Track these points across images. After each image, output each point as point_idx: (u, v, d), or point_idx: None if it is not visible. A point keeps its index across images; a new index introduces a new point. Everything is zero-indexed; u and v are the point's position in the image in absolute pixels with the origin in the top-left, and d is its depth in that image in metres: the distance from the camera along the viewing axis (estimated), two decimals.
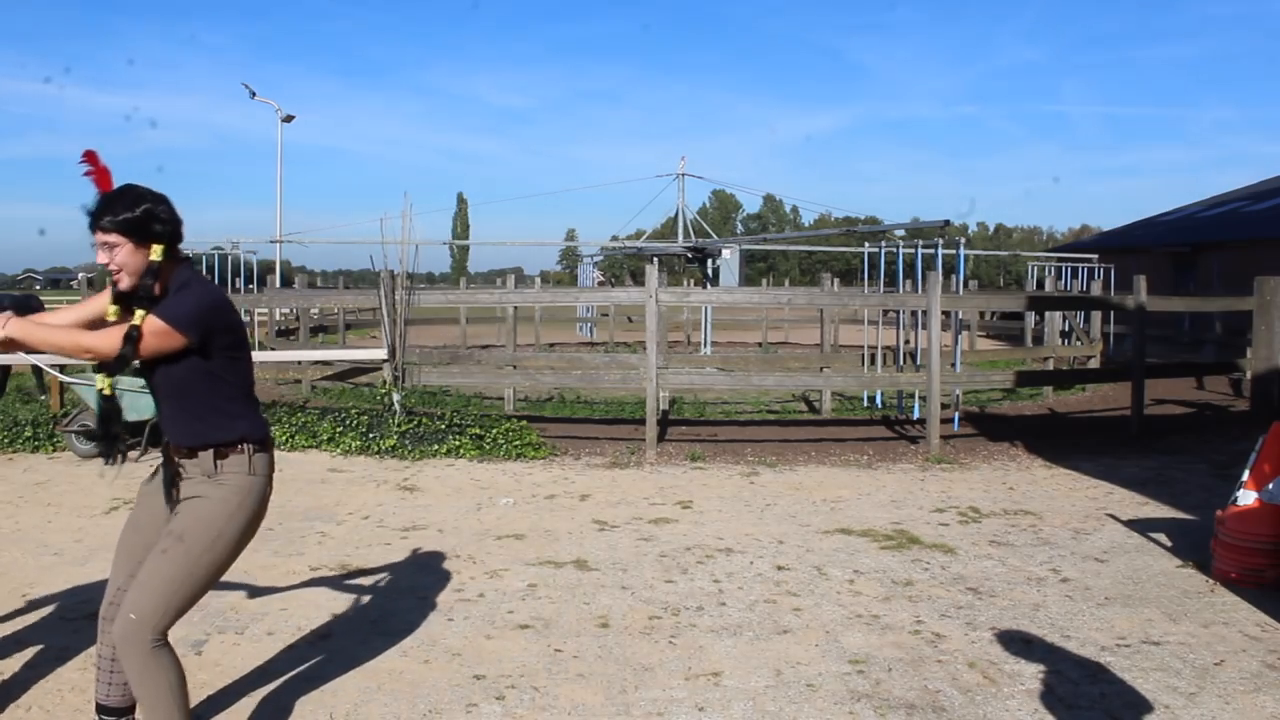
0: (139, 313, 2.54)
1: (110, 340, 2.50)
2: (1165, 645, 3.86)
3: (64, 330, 2.57)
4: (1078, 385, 12.31)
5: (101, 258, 2.55)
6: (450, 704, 3.33)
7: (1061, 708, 3.30)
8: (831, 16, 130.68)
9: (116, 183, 2.70)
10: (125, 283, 2.57)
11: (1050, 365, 14.11)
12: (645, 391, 8.17)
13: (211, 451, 2.65)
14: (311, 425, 8.26)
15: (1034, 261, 22.70)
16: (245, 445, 2.69)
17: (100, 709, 2.77)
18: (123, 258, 2.54)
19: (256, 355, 11.50)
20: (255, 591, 4.45)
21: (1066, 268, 20.51)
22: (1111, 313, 15.17)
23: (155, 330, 2.51)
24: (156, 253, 2.56)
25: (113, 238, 2.52)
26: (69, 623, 4.06)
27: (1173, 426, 9.54)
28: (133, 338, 2.49)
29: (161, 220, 2.56)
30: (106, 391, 2.67)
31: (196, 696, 3.36)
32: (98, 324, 2.64)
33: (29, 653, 3.74)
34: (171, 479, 2.70)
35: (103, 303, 2.67)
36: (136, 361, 2.55)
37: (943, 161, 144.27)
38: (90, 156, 2.74)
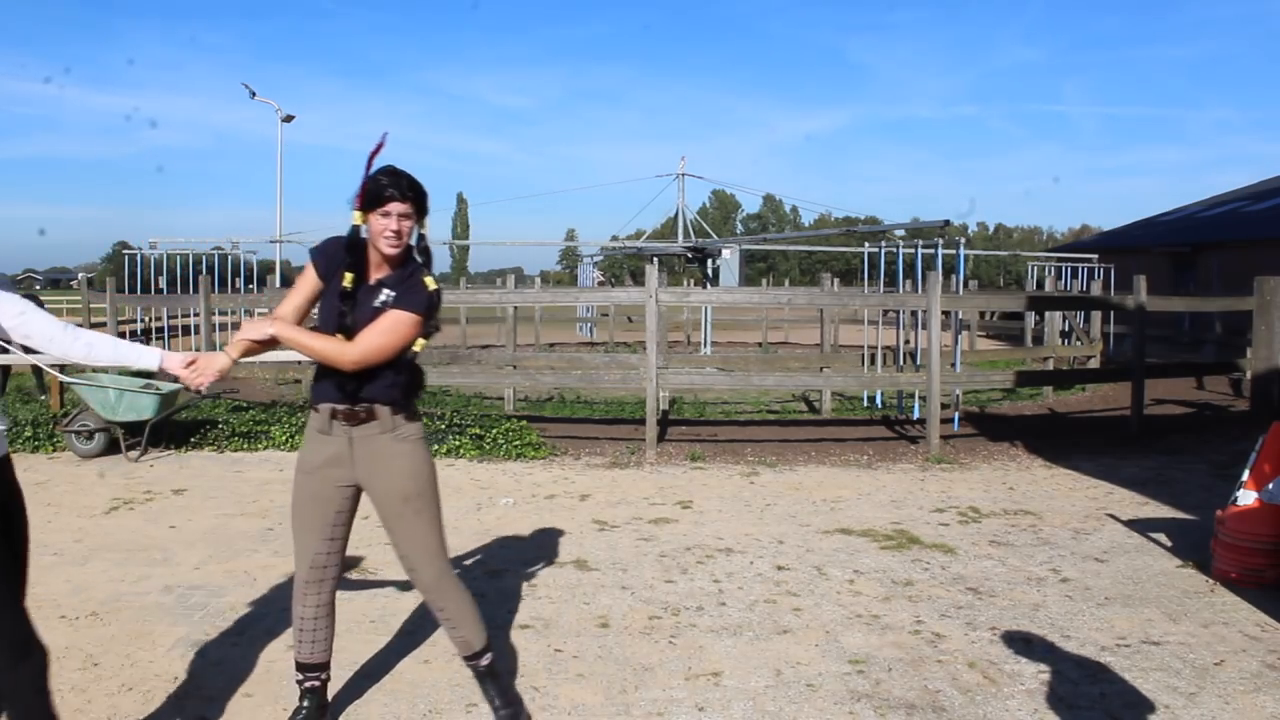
0: (384, 294, 2.82)
1: (364, 350, 2.78)
2: (1165, 645, 3.86)
3: (321, 337, 2.82)
4: (1078, 385, 12.31)
5: (390, 225, 2.77)
6: (450, 704, 3.33)
7: (1061, 708, 3.30)
8: (831, 16, 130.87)
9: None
10: (399, 250, 2.82)
11: (1050, 365, 14.12)
12: (645, 391, 8.17)
13: (389, 408, 2.87)
14: None
15: (1034, 261, 22.67)
16: (408, 399, 2.97)
17: (302, 667, 3.08)
18: (406, 227, 2.80)
19: (257, 355, 11.51)
20: (255, 591, 4.45)
21: (1066, 268, 20.50)
22: (1111, 313, 15.17)
23: (410, 322, 2.81)
24: (425, 226, 2.89)
25: (408, 208, 2.78)
26: (69, 622, 4.07)
27: (1173, 426, 9.54)
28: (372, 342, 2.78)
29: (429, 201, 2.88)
30: (418, 348, 2.90)
31: (197, 697, 3.36)
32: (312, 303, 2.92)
33: None
34: (344, 445, 2.90)
35: (308, 288, 2.89)
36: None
37: (943, 161, 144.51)
38: (383, 139, 2.90)
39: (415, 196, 2.79)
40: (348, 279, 2.81)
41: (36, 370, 10.30)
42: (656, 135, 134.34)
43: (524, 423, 8.62)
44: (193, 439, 7.99)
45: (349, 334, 2.79)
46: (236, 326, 16.90)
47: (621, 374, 9.50)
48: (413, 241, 2.87)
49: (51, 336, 2.65)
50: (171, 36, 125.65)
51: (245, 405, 9.33)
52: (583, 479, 7.02)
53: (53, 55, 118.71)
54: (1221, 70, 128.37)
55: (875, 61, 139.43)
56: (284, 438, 8.02)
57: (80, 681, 3.47)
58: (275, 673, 3.57)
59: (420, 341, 2.89)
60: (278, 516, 5.80)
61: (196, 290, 11.67)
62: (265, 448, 7.93)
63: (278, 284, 20.03)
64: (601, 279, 49.43)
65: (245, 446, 7.90)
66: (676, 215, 27.72)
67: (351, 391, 2.84)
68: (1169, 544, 5.27)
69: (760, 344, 22.63)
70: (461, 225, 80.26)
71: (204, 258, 18.26)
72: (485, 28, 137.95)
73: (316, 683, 3.10)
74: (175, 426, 8.12)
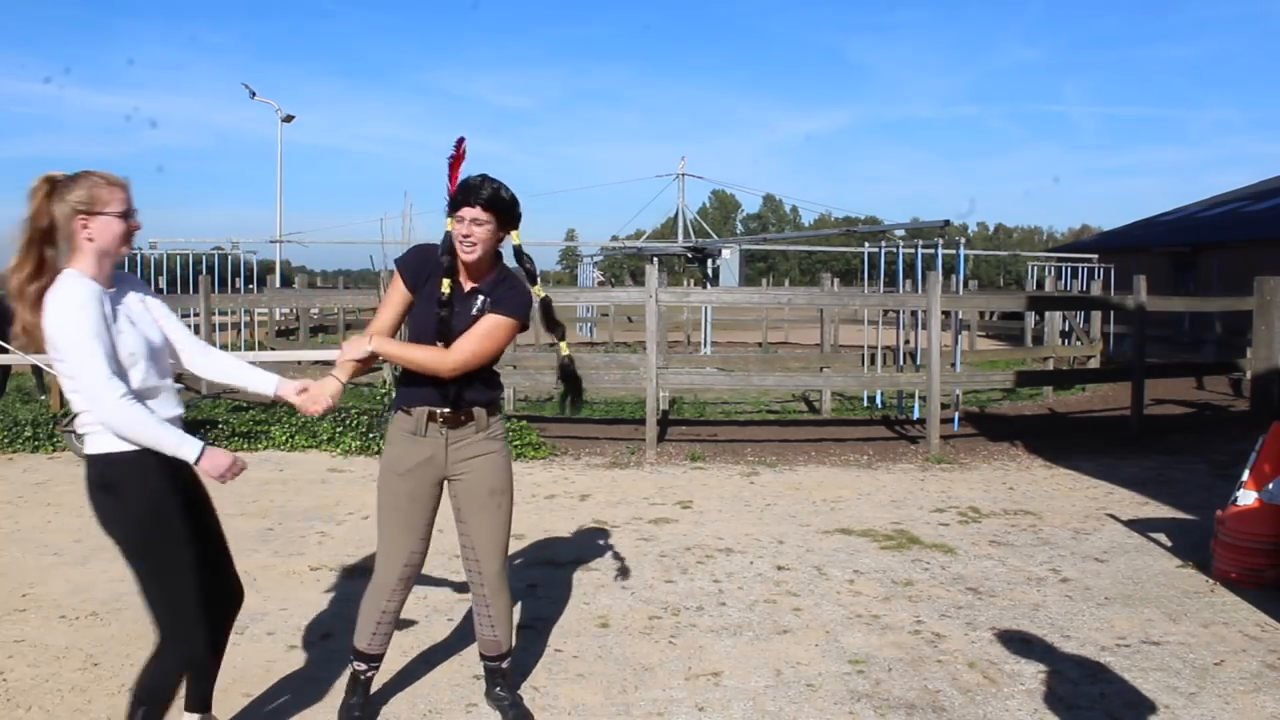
0: (479, 299, 2.92)
1: (464, 356, 2.86)
2: (1165, 645, 3.86)
3: (419, 347, 2.89)
4: (1078, 385, 12.30)
5: (462, 230, 2.83)
6: (450, 704, 3.33)
7: (1061, 708, 3.30)
8: (831, 16, 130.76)
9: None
10: (474, 256, 2.86)
11: (1050, 365, 14.11)
12: (645, 391, 8.17)
13: (485, 410, 3.01)
14: (311, 425, 8.25)
15: (1034, 261, 22.69)
16: (498, 400, 3.12)
17: (367, 658, 3.15)
18: (483, 235, 2.84)
19: (257, 355, 11.51)
20: (255, 591, 4.45)
21: (1066, 268, 20.51)
22: (1111, 313, 15.17)
23: (509, 326, 2.92)
24: (516, 237, 2.96)
25: (480, 213, 2.82)
26: (69, 622, 4.07)
27: (1173, 426, 9.54)
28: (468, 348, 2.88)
29: (519, 211, 2.93)
30: (566, 352, 3.12)
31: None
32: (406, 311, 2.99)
33: (29, 653, 3.74)
34: (439, 446, 2.97)
35: (399, 300, 2.95)
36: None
37: (943, 161, 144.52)
38: (460, 143, 3.05)
39: (493, 203, 2.82)
40: (445, 285, 2.88)
41: (36, 370, 10.30)
42: (656, 135, 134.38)
43: (524, 423, 8.62)
44: None
45: (448, 340, 2.87)
46: (236, 327, 16.91)
47: (621, 374, 9.50)
48: (507, 249, 2.98)
49: (184, 345, 2.75)
50: (172, 36, 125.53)
51: (245, 405, 9.33)
52: (583, 479, 7.02)
53: (53, 55, 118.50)
54: (1221, 70, 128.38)
55: (875, 61, 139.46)
56: (284, 438, 8.03)
57: (80, 681, 3.47)
58: (275, 673, 3.57)
59: (564, 345, 3.10)
60: (278, 516, 5.80)
61: (196, 290, 11.67)
62: (265, 448, 7.93)
63: (278, 284, 20.08)
64: (601, 279, 49.40)
65: (245, 446, 7.90)
66: (676, 215, 27.74)
67: (453, 396, 2.92)
68: (1169, 544, 5.27)
69: (760, 344, 22.61)
70: None
71: (204, 258, 18.25)
72: (485, 28, 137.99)
73: (374, 674, 3.20)
74: None
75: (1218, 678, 3.55)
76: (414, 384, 2.94)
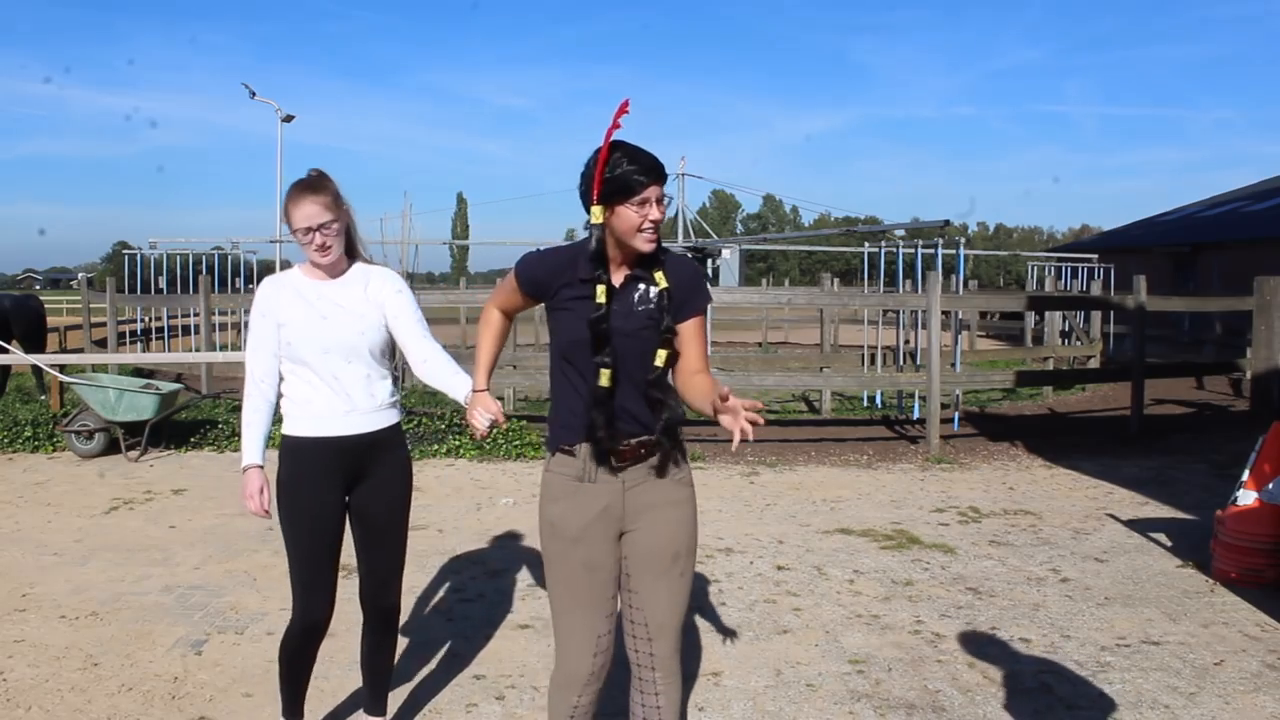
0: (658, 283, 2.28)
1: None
2: (1165, 645, 3.86)
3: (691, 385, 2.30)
4: (1078, 385, 12.31)
5: (654, 214, 2.21)
6: (450, 704, 3.33)
7: (1061, 708, 3.30)
8: (831, 16, 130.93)
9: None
10: (654, 245, 2.25)
11: (1050, 365, 14.12)
12: None
13: (670, 441, 2.32)
14: None
15: (1034, 261, 22.66)
16: (680, 426, 2.37)
17: None
18: (662, 214, 2.25)
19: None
20: (255, 591, 4.45)
21: (1066, 268, 20.49)
22: (1111, 313, 15.17)
23: (704, 325, 2.36)
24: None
25: (662, 190, 2.24)
26: (69, 622, 4.07)
27: (1173, 426, 9.54)
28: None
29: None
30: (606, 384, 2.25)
31: (197, 697, 3.36)
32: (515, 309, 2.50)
33: (29, 653, 3.74)
34: (616, 492, 2.32)
35: (511, 291, 2.41)
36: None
37: (943, 161, 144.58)
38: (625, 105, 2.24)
39: (664, 175, 2.24)
40: (601, 294, 2.22)
41: (36, 370, 10.30)
42: (656, 135, 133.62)
43: (524, 423, 8.62)
44: (193, 439, 7.98)
45: (612, 363, 2.23)
46: (236, 327, 16.90)
47: None
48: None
49: (405, 345, 2.82)
50: (172, 37, 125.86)
51: None
52: None
53: (53, 55, 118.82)
54: (1221, 70, 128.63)
55: (875, 61, 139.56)
56: None
57: (80, 681, 3.47)
58: (275, 673, 3.56)
59: (662, 353, 2.28)
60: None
61: (196, 290, 11.67)
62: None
63: None
64: None
65: None
66: (676, 215, 27.78)
67: (626, 425, 2.28)
68: (1169, 544, 5.27)
69: (760, 344, 22.62)
70: (461, 225, 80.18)
71: (204, 258, 18.23)
72: (485, 27, 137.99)
73: None
74: (175, 426, 8.12)
75: (1218, 678, 3.55)
76: (568, 412, 2.34)
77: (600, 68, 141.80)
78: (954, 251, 10.67)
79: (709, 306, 2.40)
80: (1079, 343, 14.80)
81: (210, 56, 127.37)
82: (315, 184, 2.70)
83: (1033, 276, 21.64)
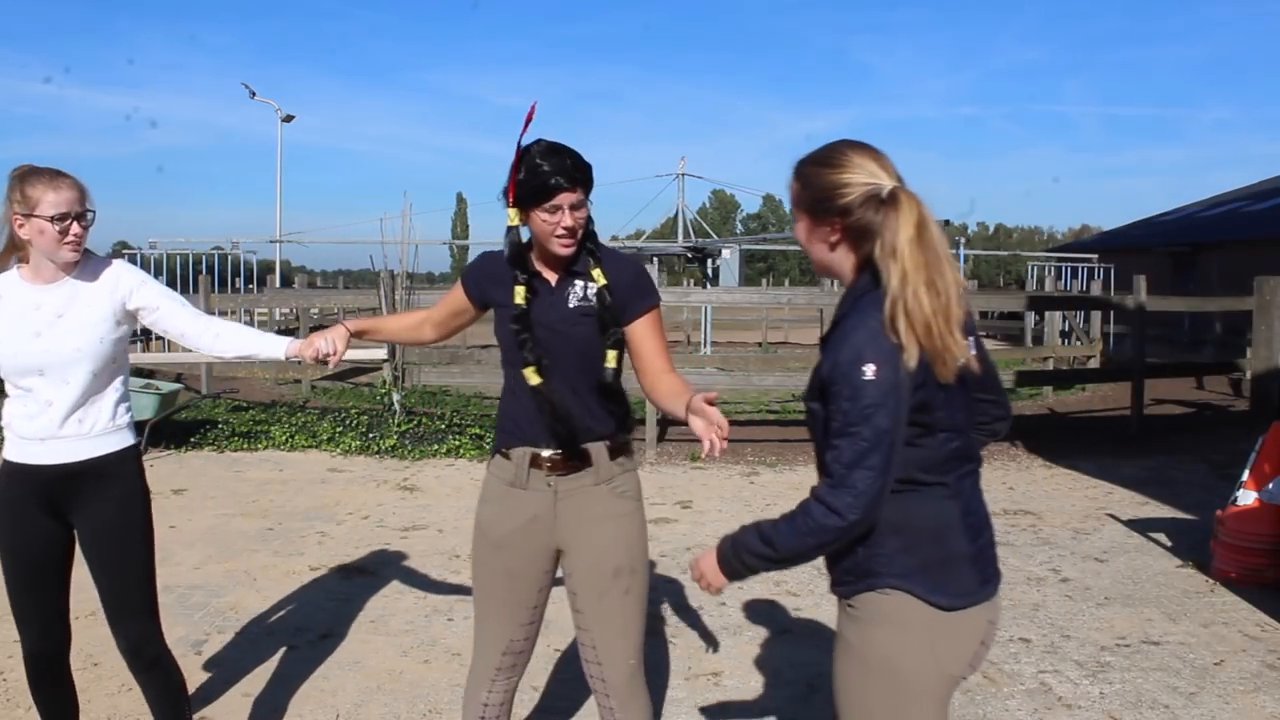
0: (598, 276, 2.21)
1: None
2: (1165, 645, 3.86)
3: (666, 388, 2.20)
4: (1078, 385, 12.30)
5: (566, 220, 2.11)
6: (450, 704, 3.33)
7: (1061, 708, 3.30)
8: (831, 16, 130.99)
9: None
10: (569, 250, 2.17)
11: (1050, 365, 14.12)
12: None
13: (607, 448, 2.24)
14: (311, 425, 8.26)
15: (1034, 261, 22.71)
16: (626, 435, 2.30)
17: None
18: (581, 219, 2.15)
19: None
20: (255, 591, 4.45)
21: (1066, 268, 20.52)
22: (1111, 313, 15.17)
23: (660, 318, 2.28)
24: (589, 209, 2.21)
25: (580, 196, 2.15)
26: None
27: (1173, 426, 9.54)
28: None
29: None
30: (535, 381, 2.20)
31: (197, 697, 3.36)
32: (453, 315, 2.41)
33: None
34: (546, 502, 2.25)
35: (458, 293, 2.35)
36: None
37: (943, 161, 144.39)
38: (532, 110, 2.21)
39: (584, 177, 2.15)
40: (520, 295, 2.18)
41: None
42: (656, 135, 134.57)
43: None
44: (193, 439, 7.99)
45: (540, 362, 2.17)
46: None
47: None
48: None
49: (183, 332, 2.51)
50: (172, 36, 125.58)
51: (245, 405, 9.33)
52: None
53: (53, 55, 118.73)
54: (1221, 70, 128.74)
55: (875, 61, 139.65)
56: (284, 438, 8.02)
57: (80, 681, 3.45)
58: (275, 673, 3.57)
59: (612, 354, 2.22)
60: (277, 516, 5.80)
61: (196, 290, 11.67)
62: (265, 448, 7.92)
63: (278, 284, 20.04)
64: None
65: (245, 446, 7.89)
66: (676, 215, 27.76)
67: (562, 430, 2.20)
68: (1169, 544, 5.27)
69: (760, 344, 22.61)
70: (461, 225, 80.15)
71: (204, 258, 18.28)
72: (485, 27, 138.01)
73: None
74: (175, 426, 8.12)
75: (1218, 678, 3.55)
76: (511, 414, 2.28)
77: (600, 68, 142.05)
78: (954, 251, 10.66)
79: (660, 304, 2.31)
80: (1079, 343, 14.79)
81: (210, 56, 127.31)
82: (64, 172, 2.34)
83: (1033, 276, 21.67)
